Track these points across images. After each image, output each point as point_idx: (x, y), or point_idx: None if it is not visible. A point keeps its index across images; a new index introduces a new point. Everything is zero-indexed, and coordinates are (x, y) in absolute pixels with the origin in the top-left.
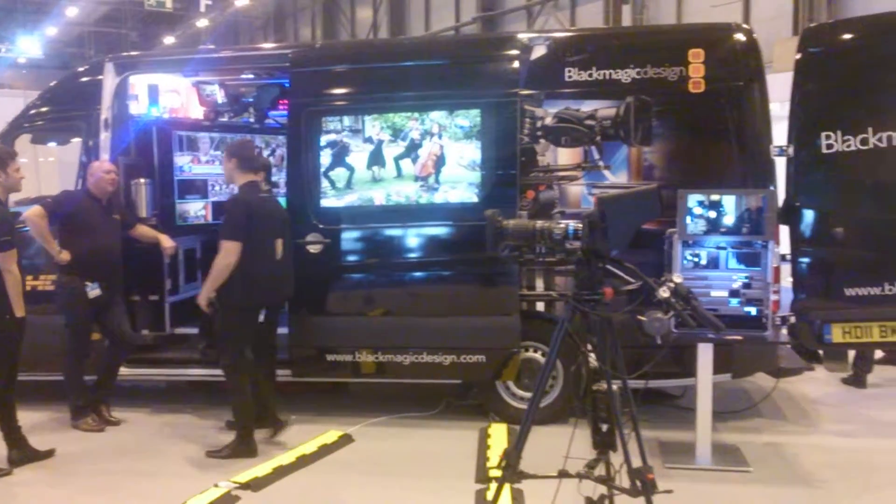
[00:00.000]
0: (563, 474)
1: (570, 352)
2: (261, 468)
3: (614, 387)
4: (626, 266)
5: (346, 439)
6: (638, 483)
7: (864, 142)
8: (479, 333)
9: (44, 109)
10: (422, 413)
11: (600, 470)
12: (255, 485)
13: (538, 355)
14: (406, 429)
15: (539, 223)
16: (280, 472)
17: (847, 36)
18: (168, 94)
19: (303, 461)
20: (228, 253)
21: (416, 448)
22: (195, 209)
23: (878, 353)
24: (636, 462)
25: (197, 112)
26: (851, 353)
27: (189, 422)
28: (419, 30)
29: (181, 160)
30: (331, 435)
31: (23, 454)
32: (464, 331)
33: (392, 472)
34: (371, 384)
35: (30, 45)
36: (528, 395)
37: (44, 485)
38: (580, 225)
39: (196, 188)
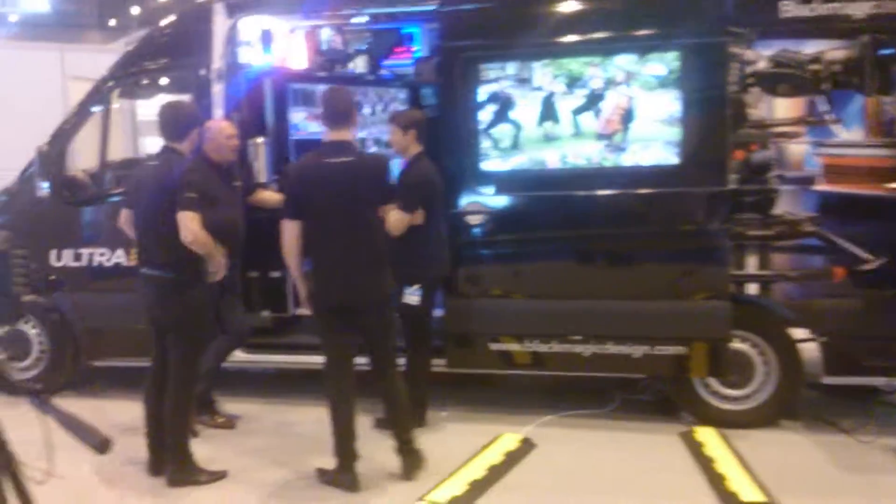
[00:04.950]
0: None
1: (782, 339)
2: (454, 484)
3: None
4: None
5: (527, 444)
6: None
7: None
8: (679, 320)
9: (143, 61)
10: (591, 410)
11: None
12: None
13: (747, 346)
14: (584, 430)
15: None
16: (477, 489)
17: None
18: (281, 40)
19: (494, 474)
20: (282, 232)
21: (613, 457)
22: None
23: None
24: None
25: (301, 61)
26: None
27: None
28: None
29: (296, 117)
30: (510, 440)
31: (187, 475)
32: (660, 316)
33: (605, 491)
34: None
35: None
36: (734, 393)
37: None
38: None
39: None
